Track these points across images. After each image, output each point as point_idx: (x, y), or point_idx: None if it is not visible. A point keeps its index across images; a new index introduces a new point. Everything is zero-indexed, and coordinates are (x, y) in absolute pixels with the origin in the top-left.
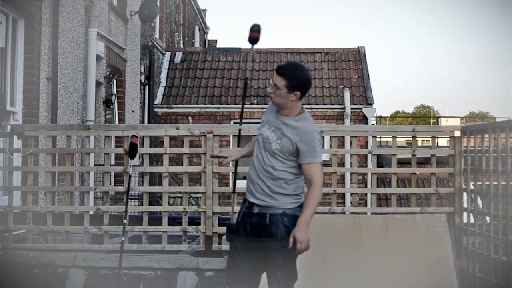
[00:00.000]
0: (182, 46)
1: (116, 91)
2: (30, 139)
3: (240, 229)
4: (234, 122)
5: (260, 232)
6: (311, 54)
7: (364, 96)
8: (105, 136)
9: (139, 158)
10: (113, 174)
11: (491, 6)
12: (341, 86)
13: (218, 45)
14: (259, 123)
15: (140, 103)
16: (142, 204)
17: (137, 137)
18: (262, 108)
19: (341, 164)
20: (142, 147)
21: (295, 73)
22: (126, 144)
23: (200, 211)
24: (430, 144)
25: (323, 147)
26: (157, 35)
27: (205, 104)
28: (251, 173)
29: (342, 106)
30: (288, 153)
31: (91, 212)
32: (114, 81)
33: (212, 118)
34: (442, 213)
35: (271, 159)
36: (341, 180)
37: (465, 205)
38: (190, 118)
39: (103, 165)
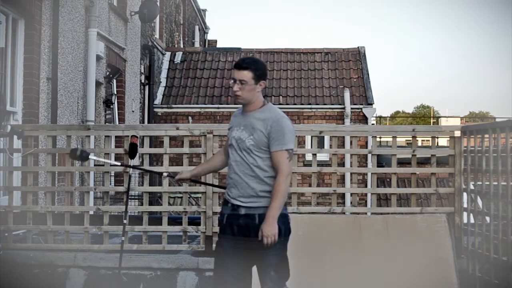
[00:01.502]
0: (182, 46)
1: (116, 91)
2: (30, 139)
3: (227, 230)
4: None
5: (249, 232)
6: (311, 54)
7: (364, 96)
8: (105, 136)
9: (139, 158)
10: (113, 174)
11: (491, 6)
12: (341, 86)
13: (218, 45)
14: None
15: (140, 103)
16: (142, 204)
17: (137, 137)
18: None
19: (341, 164)
20: (142, 147)
21: (257, 64)
22: (126, 144)
23: (200, 211)
24: (430, 144)
25: (323, 146)
26: (157, 35)
27: (205, 104)
28: (233, 177)
29: (342, 106)
30: (263, 146)
31: (91, 212)
32: (114, 81)
33: (212, 118)
34: (442, 213)
35: (249, 157)
36: (341, 180)
37: (465, 205)
38: (190, 118)
39: (103, 165)
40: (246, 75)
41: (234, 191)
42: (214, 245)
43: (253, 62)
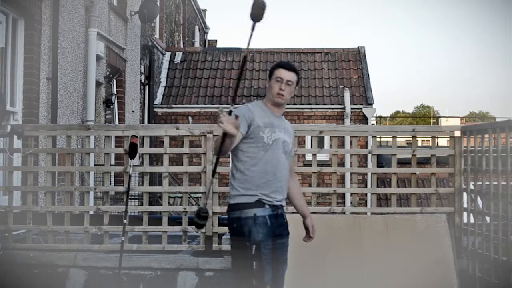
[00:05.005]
0: (182, 46)
1: (116, 91)
2: (30, 139)
3: (269, 234)
4: None
5: (281, 231)
6: (311, 54)
7: (364, 96)
8: (105, 136)
9: (139, 158)
10: (113, 174)
11: (491, 6)
12: (341, 86)
13: (218, 45)
14: None
15: (140, 103)
16: (142, 204)
17: (137, 137)
18: None
19: (341, 164)
20: (142, 147)
21: (297, 69)
22: (126, 144)
23: None
24: (430, 144)
25: (323, 146)
26: (157, 35)
27: (205, 104)
28: (281, 180)
29: (342, 106)
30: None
31: (91, 212)
32: (114, 81)
33: (212, 118)
34: (442, 213)
35: (288, 161)
36: (341, 180)
37: (465, 205)
38: (190, 118)
39: (103, 165)
40: (294, 77)
41: (279, 195)
42: (214, 245)
43: (295, 67)
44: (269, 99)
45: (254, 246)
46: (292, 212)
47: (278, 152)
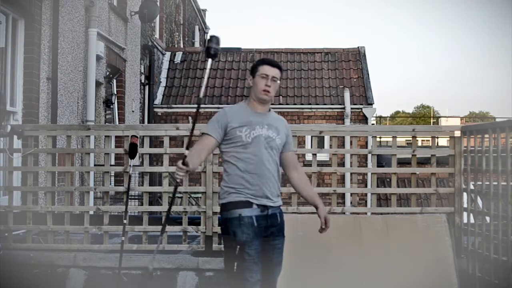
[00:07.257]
0: (182, 46)
1: (116, 91)
2: (30, 139)
3: (255, 235)
4: None
5: (272, 232)
6: (311, 54)
7: (364, 96)
8: (105, 136)
9: (139, 158)
10: (113, 174)
11: (491, 5)
12: (341, 86)
13: None
14: None
15: (140, 103)
16: (142, 204)
17: (137, 137)
18: None
19: (341, 164)
20: (142, 147)
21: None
22: (126, 144)
23: (200, 211)
24: (430, 144)
25: (323, 146)
26: (157, 35)
27: (205, 104)
28: (267, 175)
29: (342, 106)
30: (281, 146)
31: (91, 212)
32: (114, 81)
33: None
34: (442, 213)
35: (276, 157)
36: (341, 180)
37: (465, 205)
38: (190, 118)
39: (103, 165)
40: (278, 73)
41: (264, 189)
42: (214, 245)
43: (279, 63)
44: (253, 96)
45: (238, 246)
46: (291, 212)
47: (260, 149)
